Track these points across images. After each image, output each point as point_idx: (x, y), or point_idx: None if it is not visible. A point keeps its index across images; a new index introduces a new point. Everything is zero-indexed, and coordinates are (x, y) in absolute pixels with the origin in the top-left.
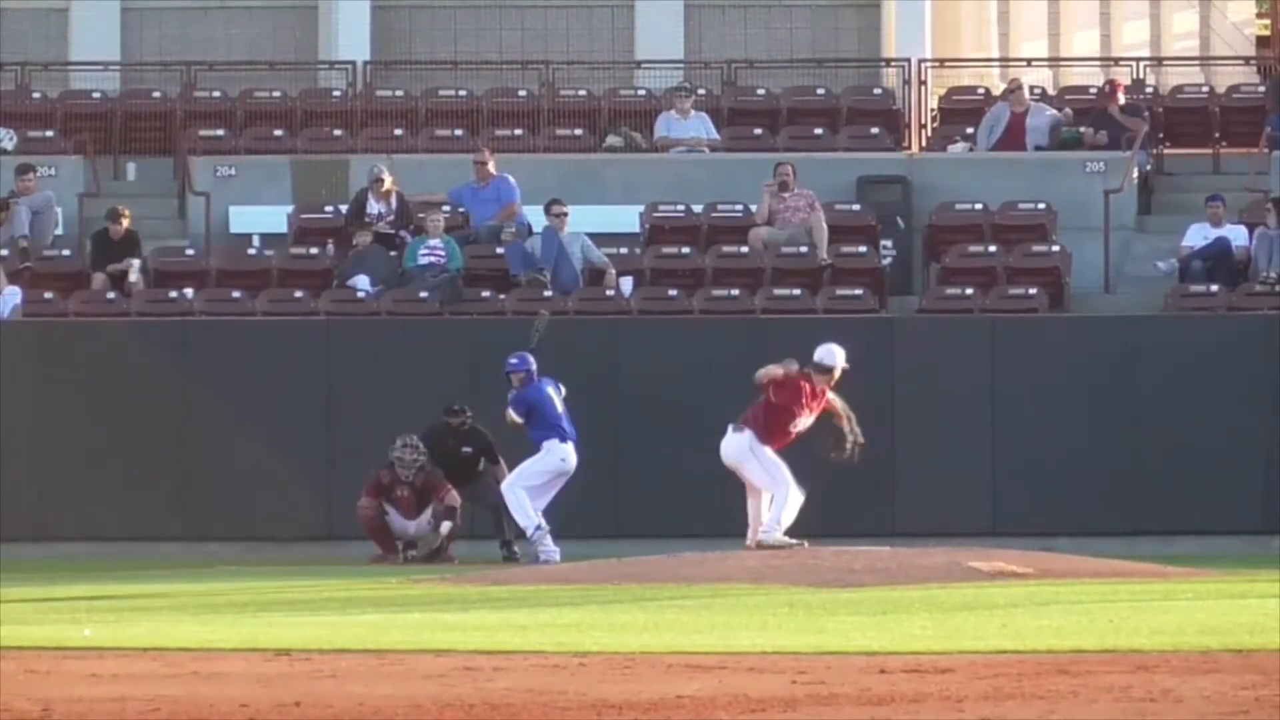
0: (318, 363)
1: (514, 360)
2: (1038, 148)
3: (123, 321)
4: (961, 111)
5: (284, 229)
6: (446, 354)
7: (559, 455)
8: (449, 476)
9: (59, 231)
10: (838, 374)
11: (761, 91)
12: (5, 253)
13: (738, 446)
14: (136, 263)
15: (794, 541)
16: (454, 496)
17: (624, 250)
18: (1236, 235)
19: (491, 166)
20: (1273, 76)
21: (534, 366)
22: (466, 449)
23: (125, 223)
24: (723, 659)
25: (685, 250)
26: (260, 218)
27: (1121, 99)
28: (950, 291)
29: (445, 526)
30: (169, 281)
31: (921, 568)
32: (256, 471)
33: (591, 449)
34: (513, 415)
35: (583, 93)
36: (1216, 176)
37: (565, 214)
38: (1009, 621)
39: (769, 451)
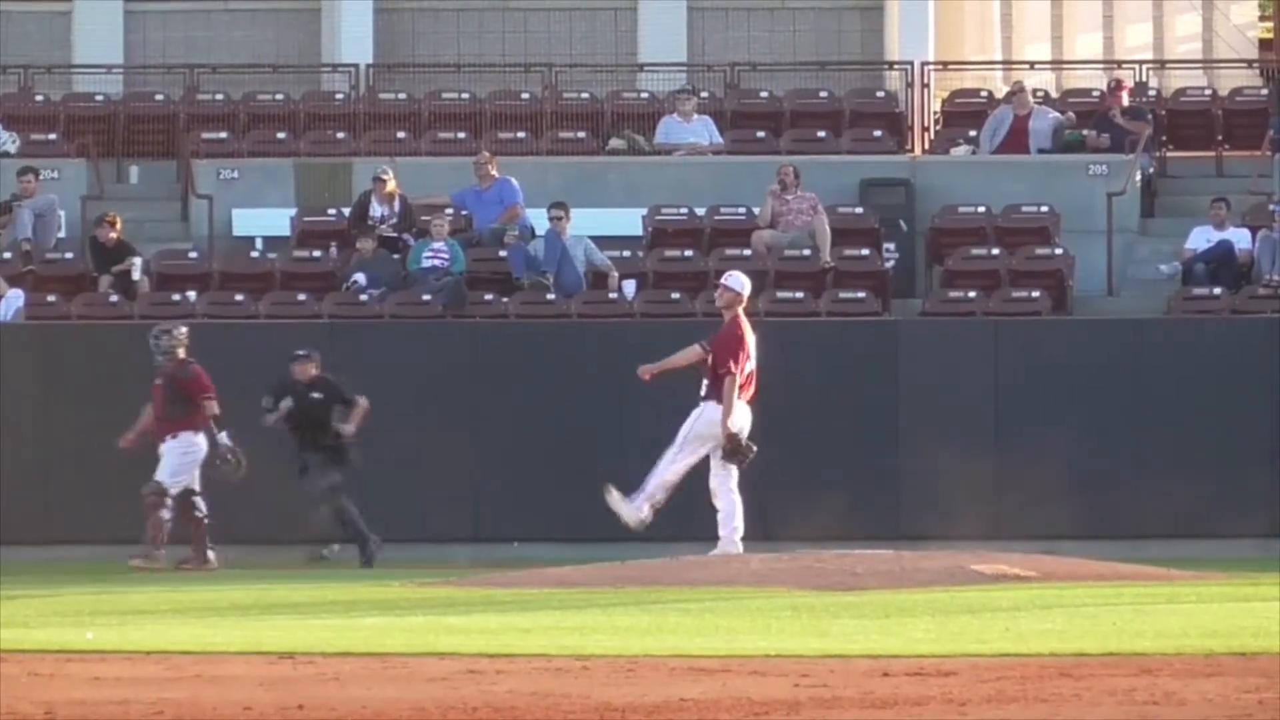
0: (320, 365)
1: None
2: (1040, 150)
3: (125, 324)
4: (964, 114)
5: (287, 232)
6: (449, 357)
7: None
8: (305, 433)
9: (62, 234)
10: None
11: (764, 94)
12: (8, 256)
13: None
14: (138, 260)
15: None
16: (214, 406)
17: (627, 253)
18: (1239, 238)
19: (494, 169)
20: (1276, 79)
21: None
22: (316, 394)
23: (115, 233)
24: (726, 662)
25: (688, 253)
26: (263, 220)
27: (1126, 100)
28: (953, 294)
29: (224, 439)
30: (172, 284)
31: (924, 571)
32: (259, 474)
33: (594, 452)
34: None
35: (585, 95)
36: (1219, 179)
37: (561, 217)
38: (1012, 624)
39: None
